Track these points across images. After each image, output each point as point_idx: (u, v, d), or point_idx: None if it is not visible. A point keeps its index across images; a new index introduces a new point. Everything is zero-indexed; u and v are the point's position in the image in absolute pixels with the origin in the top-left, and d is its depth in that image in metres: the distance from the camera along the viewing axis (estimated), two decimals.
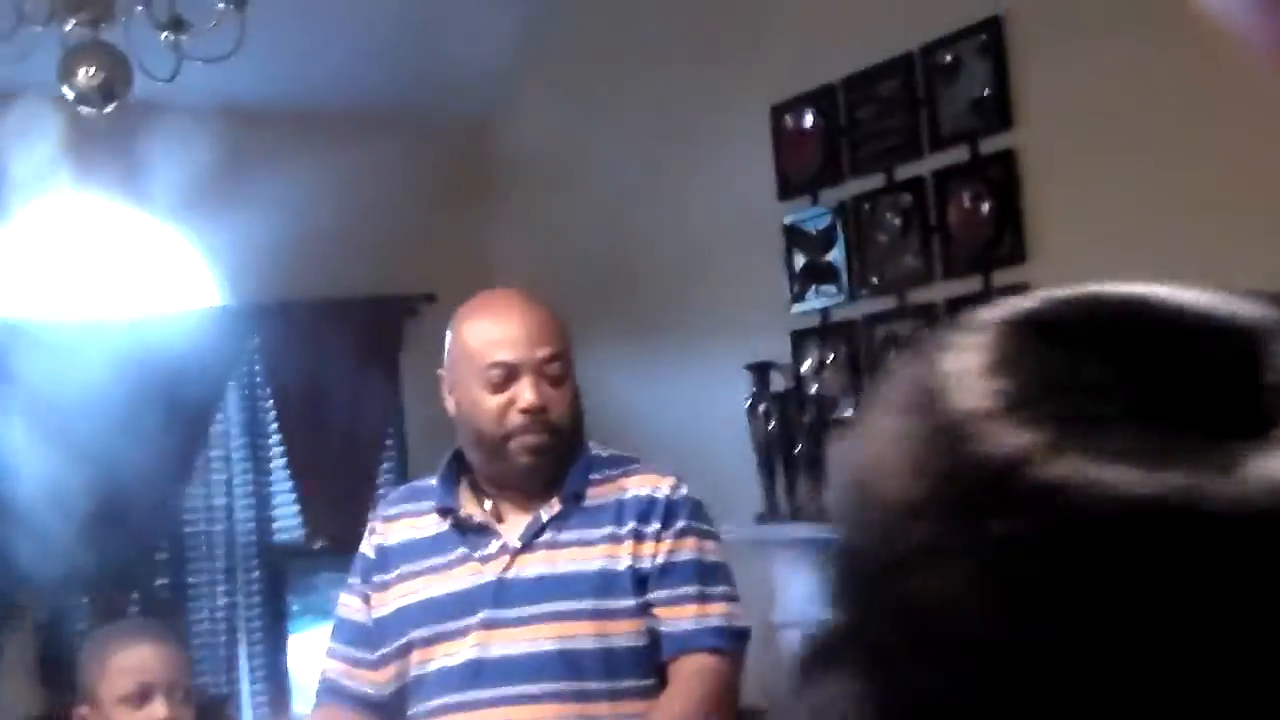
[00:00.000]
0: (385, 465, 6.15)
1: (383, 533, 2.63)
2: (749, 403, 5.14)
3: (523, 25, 5.81)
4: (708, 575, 2.51)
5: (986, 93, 4.48)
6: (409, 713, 2.52)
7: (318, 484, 5.93)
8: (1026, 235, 4.41)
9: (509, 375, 2.46)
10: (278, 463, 6.03)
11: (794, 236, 5.20)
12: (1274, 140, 3.71)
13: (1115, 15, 4.07)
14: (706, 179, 5.40)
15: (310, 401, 5.84)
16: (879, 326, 4.91)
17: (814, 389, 5.12)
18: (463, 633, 2.48)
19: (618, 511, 2.50)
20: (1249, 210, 3.77)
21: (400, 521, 2.62)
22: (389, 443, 6.15)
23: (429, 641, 2.51)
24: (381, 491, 5.71)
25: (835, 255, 5.05)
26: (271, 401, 5.94)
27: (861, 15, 4.86)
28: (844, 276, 5.02)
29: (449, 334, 2.57)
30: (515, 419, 2.46)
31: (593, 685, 2.42)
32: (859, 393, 4.97)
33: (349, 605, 2.64)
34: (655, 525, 2.48)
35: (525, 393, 2.45)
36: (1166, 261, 3.89)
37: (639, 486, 2.53)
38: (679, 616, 2.47)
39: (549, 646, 2.43)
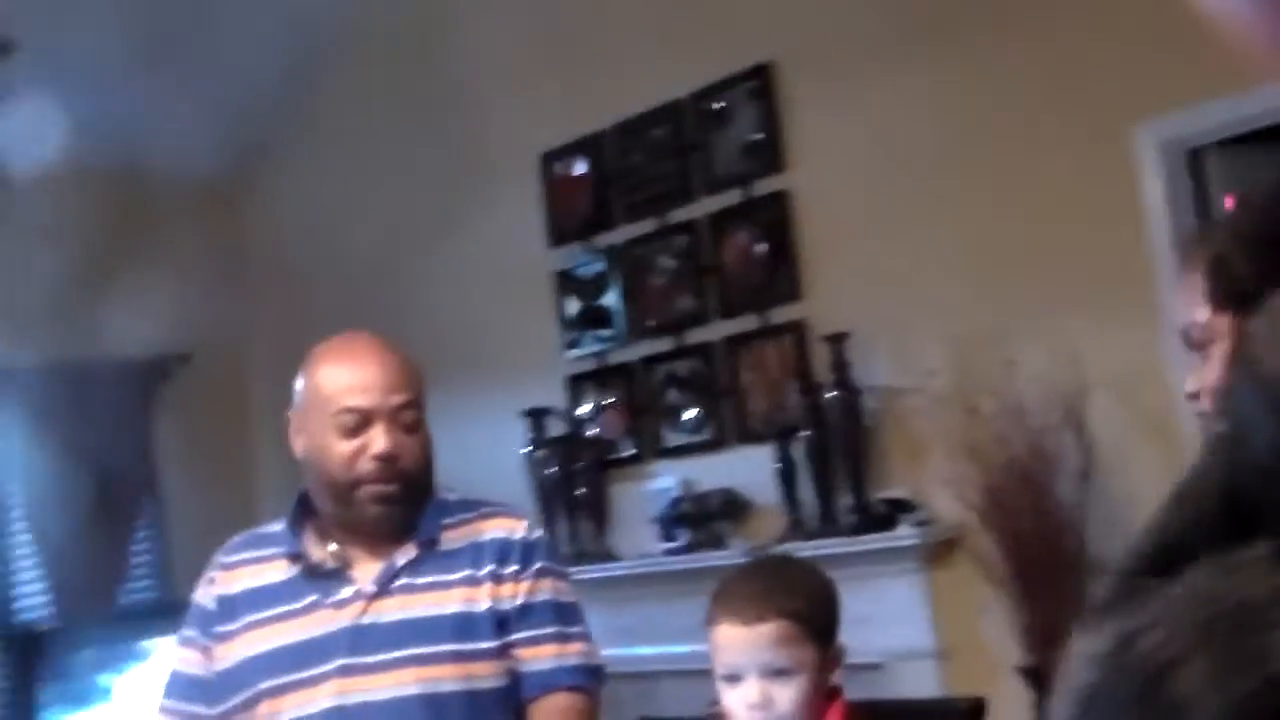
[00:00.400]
0: (141, 534, 5.91)
1: (224, 582, 2.53)
2: (527, 449, 5.16)
3: (279, 85, 5.73)
4: (565, 615, 2.52)
5: (758, 137, 4.65)
6: None
7: (66, 558, 5.64)
8: (800, 273, 4.58)
9: (362, 421, 2.42)
10: (21, 538, 5.71)
11: (566, 283, 5.26)
12: (1030, 177, 3.96)
13: (881, 61, 4.30)
14: (478, 229, 5.43)
15: (55, 470, 5.56)
16: (657, 367, 5.00)
17: (592, 432, 5.17)
18: (317, 681, 2.41)
19: (474, 554, 2.48)
20: (1013, 242, 4.01)
21: (243, 569, 2.54)
22: (144, 511, 5.90)
23: (279, 691, 2.43)
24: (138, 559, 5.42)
25: (610, 299, 5.13)
26: (11, 471, 5.63)
27: (631, 63, 4.98)
28: (619, 320, 5.10)
29: (301, 376, 2.51)
30: (366, 466, 2.42)
31: None
32: (638, 434, 5.05)
33: (186, 659, 2.53)
34: (514, 567, 2.47)
35: (378, 440, 2.41)
36: (935, 295, 4.11)
37: (495, 529, 2.52)
38: (539, 656, 2.47)
39: (412, 691, 2.39)
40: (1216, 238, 1.61)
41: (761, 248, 4.67)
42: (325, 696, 2.38)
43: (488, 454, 5.18)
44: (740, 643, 2.05)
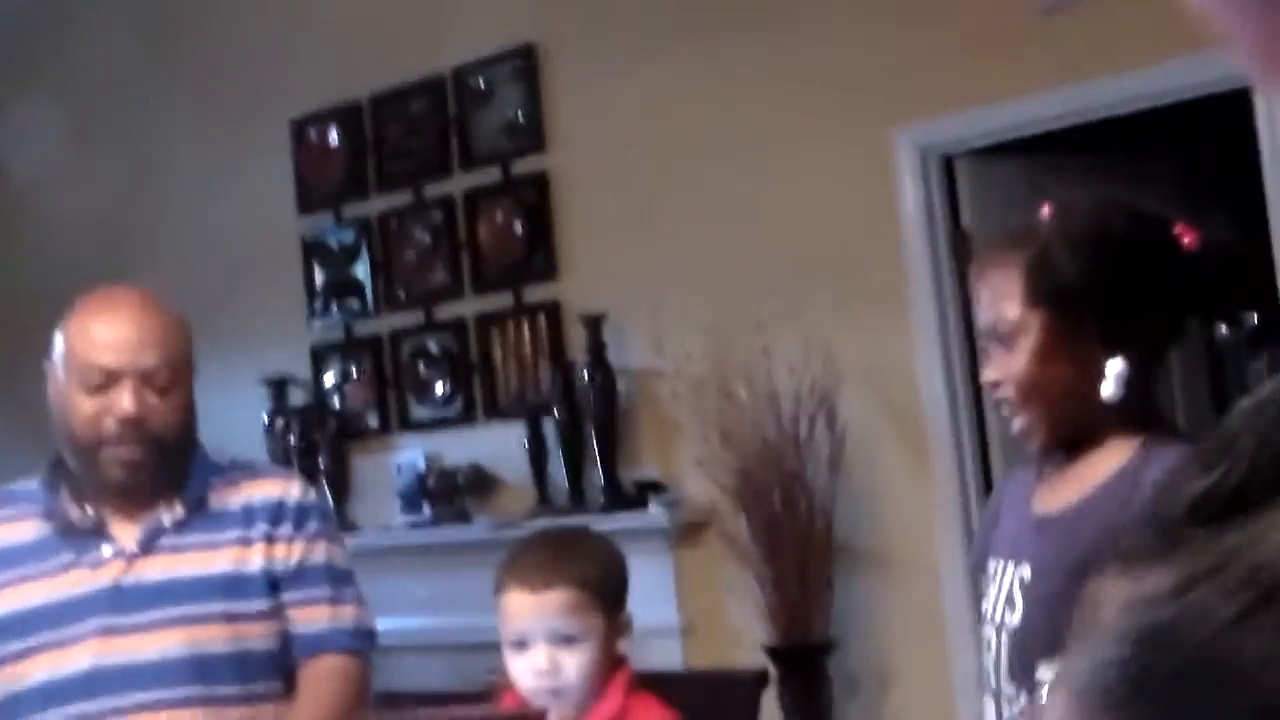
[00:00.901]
0: None
1: None
2: (266, 418, 5.03)
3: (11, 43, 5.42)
4: (339, 578, 2.47)
5: (519, 116, 4.63)
6: None
7: None
8: (557, 253, 4.58)
9: (107, 380, 2.31)
10: None
11: (314, 251, 5.14)
12: (790, 170, 4.06)
13: (644, 44, 4.33)
14: (224, 192, 5.25)
15: None
16: (406, 341, 4.94)
17: (336, 403, 5.07)
18: (71, 641, 2.30)
19: (246, 515, 2.41)
20: (771, 234, 4.10)
21: None
22: None
23: (27, 654, 2.31)
24: None
25: (360, 270, 5.03)
26: None
27: (392, 35, 4.89)
28: (368, 291, 5.01)
29: (61, 325, 2.38)
30: (109, 426, 2.32)
31: (224, 690, 2.31)
32: (384, 407, 4.98)
33: None
34: (287, 528, 2.41)
35: (122, 401, 2.31)
36: (693, 282, 4.17)
37: (267, 490, 2.45)
38: (312, 619, 2.41)
39: (178, 652, 2.30)
40: (1034, 239, 1.72)
41: (519, 226, 4.66)
42: (83, 657, 2.28)
43: (227, 421, 5.01)
44: (528, 610, 2.04)
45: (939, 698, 3.75)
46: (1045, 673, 1.19)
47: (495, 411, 4.73)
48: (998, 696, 1.70)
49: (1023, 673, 1.66)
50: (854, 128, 3.95)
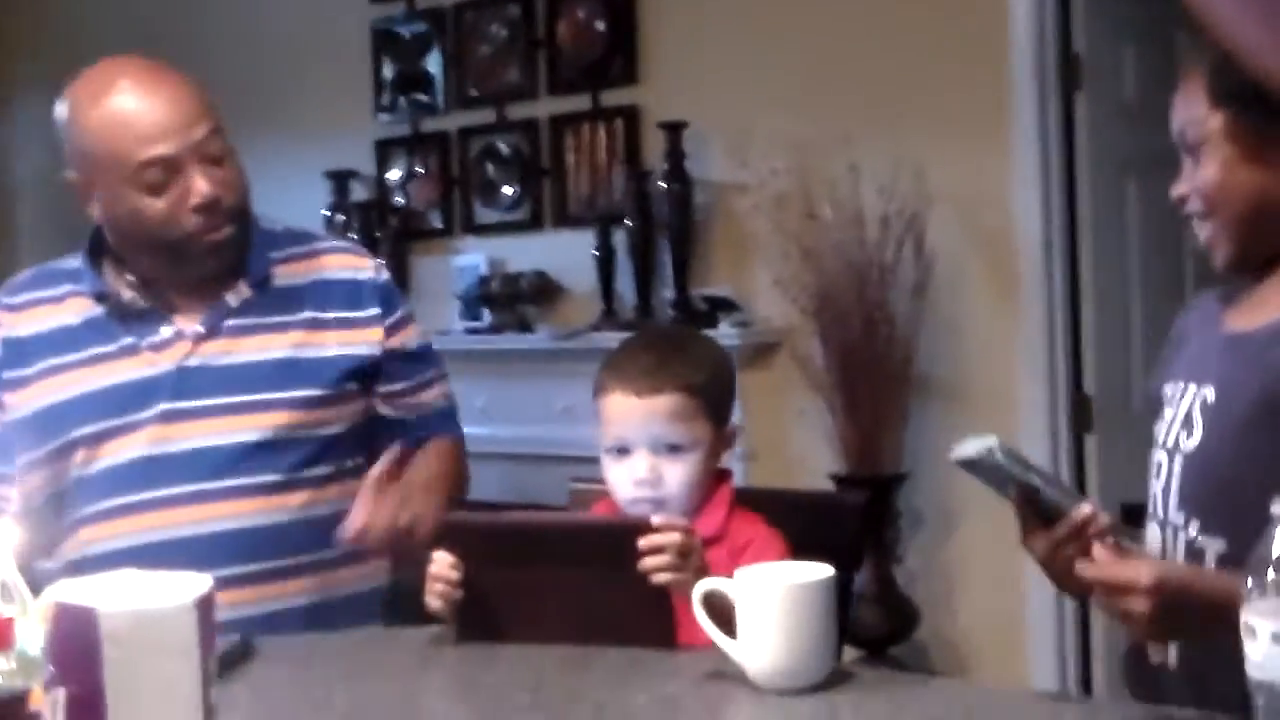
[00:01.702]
0: None
1: (9, 324, 2.26)
2: (327, 211, 4.90)
3: None
4: (434, 360, 2.37)
5: None
6: (66, 521, 2.21)
7: None
8: (639, 57, 4.39)
9: (170, 169, 2.15)
10: None
11: (384, 41, 4.95)
12: None
13: None
14: None
15: None
16: (475, 140, 4.78)
17: (399, 200, 4.93)
18: (131, 428, 2.19)
19: (318, 294, 2.28)
20: (866, 47, 3.90)
21: (32, 310, 2.26)
22: None
23: (98, 439, 2.20)
24: None
25: (431, 64, 4.85)
26: None
27: None
28: (438, 86, 4.84)
29: (70, 127, 2.18)
30: (190, 219, 2.16)
31: (295, 475, 2.21)
32: (448, 207, 4.84)
33: None
34: (373, 310, 2.28)
35: (197, 185, 2.15)
36: (780, 95, 3.99)
37: (339, 268, 2.31)
38: (421, 403, 2.31)
39: (247, 437, 2.19)
40: (1204, 52, 1.59)
41: (601, 25, 4.46)
42: (143, 443, 2.17)
43: (286, 214, 4.88)
44: (633, 414, 1.92)
45: (1005, 538, 3.65)
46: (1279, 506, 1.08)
47: (564, 218, 4.59)
48: (1164, 525, 1.59)
49: (1194, 499, 1.55)
50: None
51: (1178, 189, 1.65)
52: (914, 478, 3.75)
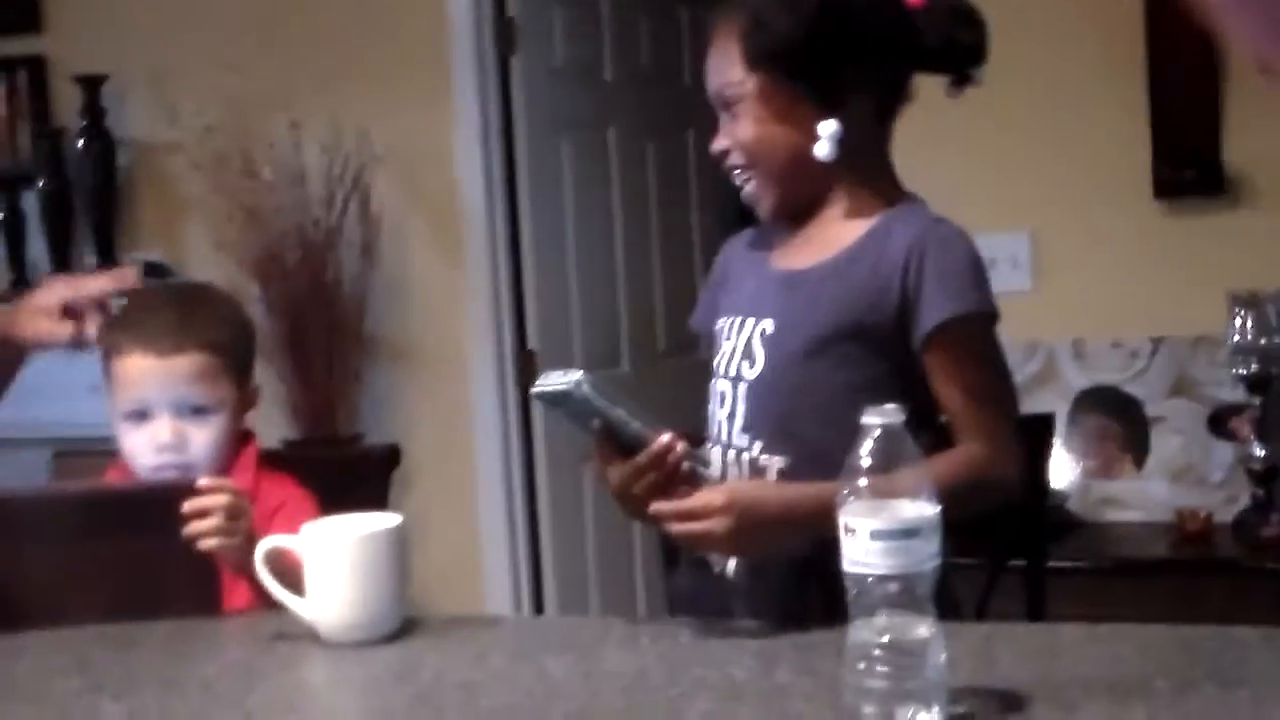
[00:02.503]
0: None
1: None
2: None
3: None
4: None
5: None
6: None
7: None
8: (41, 2, 4.06)
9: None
10: None
11: None
12: None
13: None
14: None
15: None
16: None
17: None
18: None
19: None
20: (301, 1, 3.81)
21: None
22: None
23: None
24: None
25: None
26: None
27: None
28: None
29: None
30: None
31: None
32: None
33: None
34: None
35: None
36: (211, 47, 3.80)
37: None
38: None
39: None
40: (749, 4, 1.67)
41: None
42: None
43: None
44: (153, 376, 1.81)
45: (463, 490, 3.73)
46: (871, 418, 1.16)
47: None
48: (726, 448, 1.67)
49: (757, 423, 1.64)
50: None
51: (719, 144, 1.72)
52: (369, 439, 3.72)
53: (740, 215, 1.84)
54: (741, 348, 1.69)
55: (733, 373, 1.69)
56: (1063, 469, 3.25)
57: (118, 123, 3.92)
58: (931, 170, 3.29)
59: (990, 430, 1.58)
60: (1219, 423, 3.12)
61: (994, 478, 1.57)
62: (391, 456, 2.12)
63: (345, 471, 2.04)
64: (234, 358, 1.87)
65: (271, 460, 1.94)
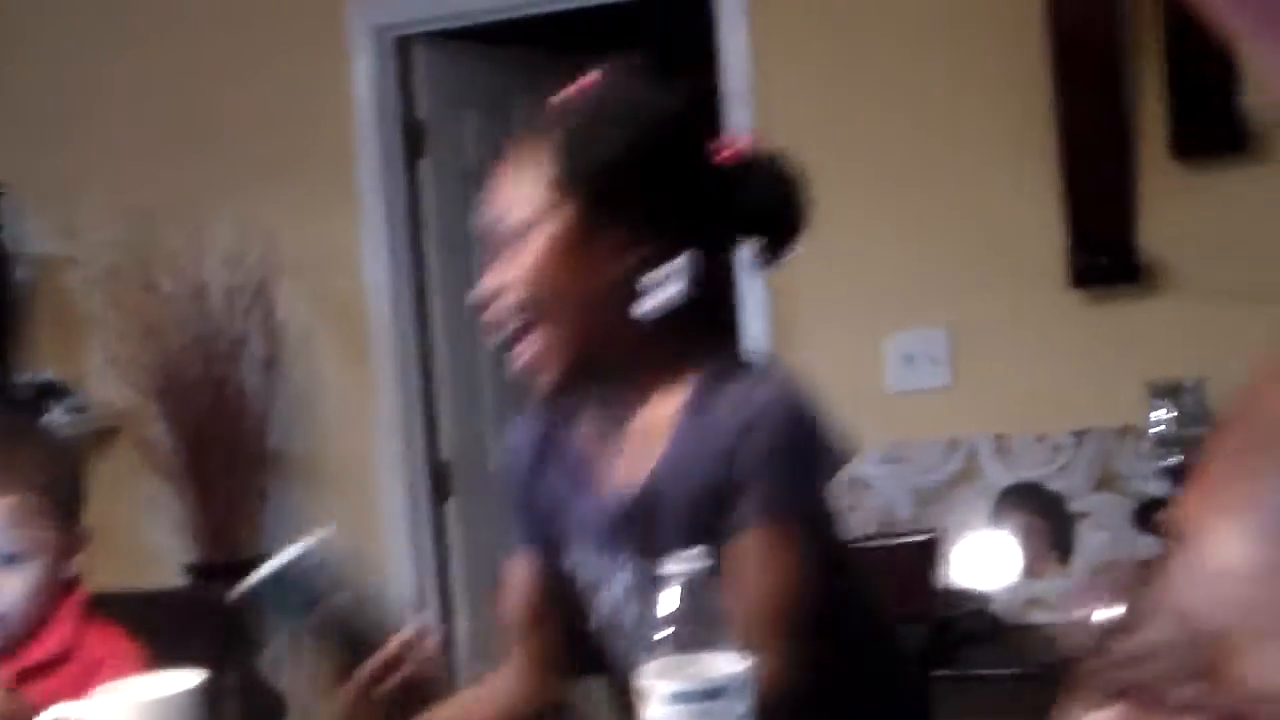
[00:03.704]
0: None
1: None
2: None
3: None
4: None
5: None
6: None
7: None
8: None
9: None
10: None
11: None
12: (231, 29, 3.68)
13: None
14: None
15: None
16: None
17: None
18: None
19: None
20: (209, 111, 3.72)
21: None
22: None
23: None
24: None
25: None
26: None
27: None
28: None
29: None
30: None
31: None
32: None
33: None
34: None
35: None
36: (112, 158, 3.69)
37: None
38: None
39: None
40: (562, 119, 1.46)
41: None
42: None
43: None
44: None
45: None
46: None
47: None
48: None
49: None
50: (306, 1, 3.65)
51: (489, 282, 1.44)
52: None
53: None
54: (622, 595, 1.48)
55: (621, 621, 1.49)
56: (987, 571, 3.13)
57: (15, 236, 3.81)
58: (848, 269, 3.25)
59: (771, 646, 1.28)
60: (1145, 517, 3.02)
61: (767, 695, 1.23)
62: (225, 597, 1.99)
63: (182, 614, 1.90)
64: (57, 499, 1.74)
65: (102, 605, 1.80)
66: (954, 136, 3.18)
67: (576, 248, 1.41)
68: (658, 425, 1.44)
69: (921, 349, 3.19)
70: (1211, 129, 3.02)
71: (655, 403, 1.45)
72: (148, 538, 3.67)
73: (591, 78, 1.51)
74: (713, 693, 1.02)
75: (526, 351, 1.44)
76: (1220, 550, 0.35)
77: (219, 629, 1.97)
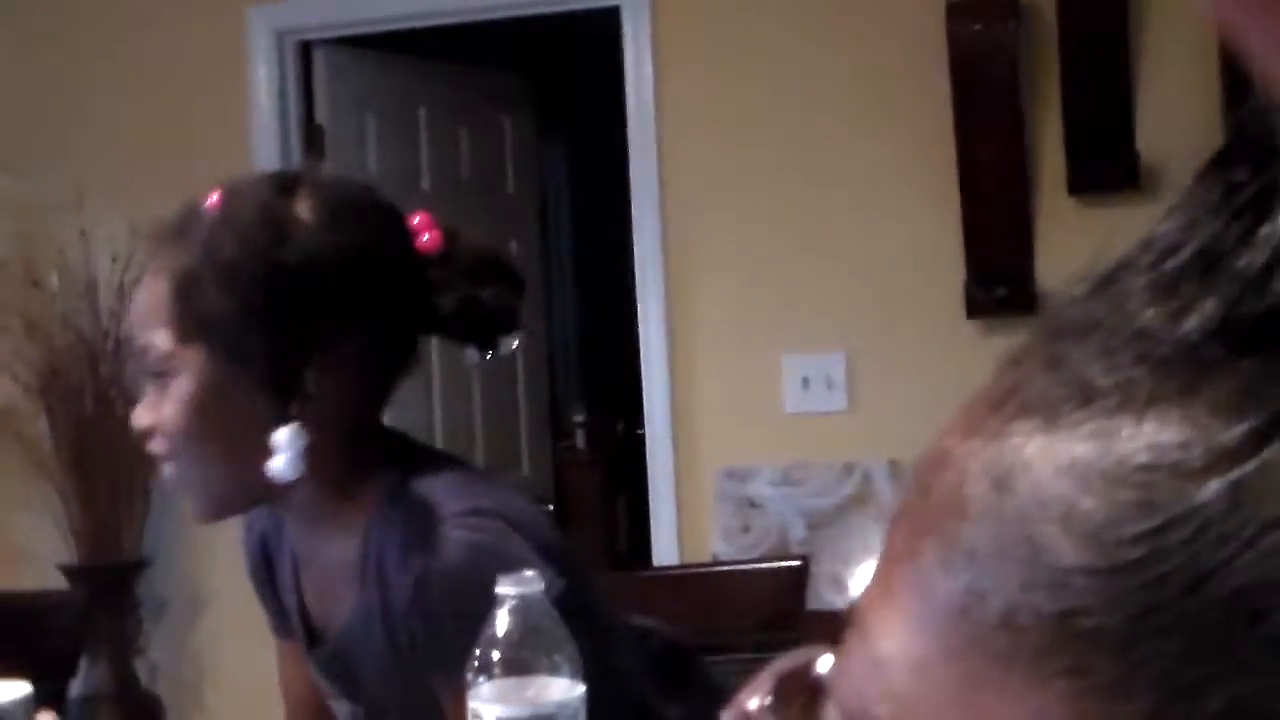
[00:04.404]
0: None
1: None
2: None
3: None
4: None
5: None
6: None
7: None
8: None
9: None
10: None
11: None
12: (145, 23, 3.61)
13: None
14: None
15: None
16: None
17: None
18: None
19: None
20: (100, 95, 3.63)
21: None
22: None
23: None
24: None
25: None
26: None
27: None
28: None
29: None
30: None
31: None
32: None
33: None
34: None
35: None
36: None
37: None
38: None
39: None
40: (190, 244, 1.32)
41: None
42: None
43: None
44: None
45: (252, 620, 3.50)
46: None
47: None
48: None
49: None
50: (207, 4, 3.59)
51: (138, 419, 1.34)
52: (157, 564, 3.50)
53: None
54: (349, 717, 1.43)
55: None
56: None
57: None
58: (746, 293, 3.25)
59: None
60: None
61: None
62: (105, 597, 1.93)
63: (34, 622, 1.83)
64: None
65: None
66: (860, 170, 3.20)
67: (209, 400, 1.31)
68: (340, 564, 1.36)
69: (819, 373, 3.20)
70: (1105, 167, 3.08)
71: (333, 535, 1.36)
72: (25, 538, 3.57)
73: (215, 198, 1.37)
74: (544, 719, 0.99)
75: (182, 486, 1.37)
76: (883, 639, 0.33)
77: (69, 635, 1.91)
